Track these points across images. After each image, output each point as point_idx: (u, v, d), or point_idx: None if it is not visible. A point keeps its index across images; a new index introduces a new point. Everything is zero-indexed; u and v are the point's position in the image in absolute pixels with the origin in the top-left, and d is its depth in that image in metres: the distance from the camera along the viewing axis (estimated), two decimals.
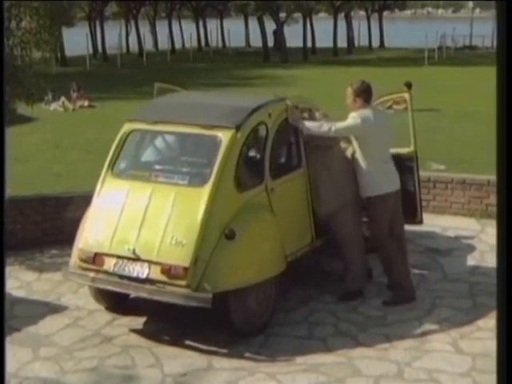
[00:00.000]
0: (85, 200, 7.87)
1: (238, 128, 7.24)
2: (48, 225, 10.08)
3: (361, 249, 8.17)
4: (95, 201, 7.58)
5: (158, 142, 8.22)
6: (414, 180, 8.43)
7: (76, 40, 49.70)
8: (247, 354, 6.98)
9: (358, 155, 7.89)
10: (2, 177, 4.71)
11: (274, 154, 7.62)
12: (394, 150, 8.44)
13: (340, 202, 8.00)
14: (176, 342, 7.23)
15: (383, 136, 7.96)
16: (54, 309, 8.10)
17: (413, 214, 8.51)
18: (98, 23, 63.47)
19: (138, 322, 7.69)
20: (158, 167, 7.74)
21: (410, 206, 8.38)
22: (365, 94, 7.89)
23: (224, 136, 7.22)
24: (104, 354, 7.03)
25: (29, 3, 10.66)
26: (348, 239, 8.06)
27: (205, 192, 7.01)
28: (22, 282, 8.80)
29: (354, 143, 7.91)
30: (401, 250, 8.19)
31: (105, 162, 7.73)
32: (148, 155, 8.18)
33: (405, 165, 8.40)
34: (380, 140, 7.93)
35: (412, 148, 8.45)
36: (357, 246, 8.11)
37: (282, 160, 8.01)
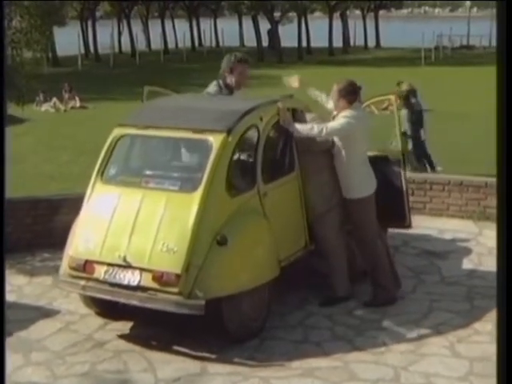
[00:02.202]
0: (77, 202, 7.75)
1: (229, 132, 7.14)
2: (39, 227, 9.98)
3: (346, 253, 8.08)
4: (85, 207, 7.49)
5: (149, 146, 8.11)
6: (401, 183, 8.31)
7: (68, 40, 49.61)
8: (242, 359, 6.90)
9: (343, 156, 7.80)
10: (2, 177, 4.64)
11: (266, 157, 7.51)
12: (380, 153, 8.36)
13: (326, 205, 7.92)
14: (169, 346, 7.15)
15: (366, 137, 7.93)
16: (46, 313, 8.02)
17: (401, 217, 8.38)
18: (89, 23, 63.35)
19: (131, 326, 7.60)
20: (148, 173, 7.63)
21: (398, 209, 8.28)
22: (349, 95, 7.79)
23: (215, 140, 7.12)
24: (96, 359, 6.96)
25: (19, 2, 10.59)
26: (333, 243, 7.97)
27: (196, 197, 6.91)
28: (12, 285, 8.68)
29: (339, 144, 7.80)
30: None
31: (96, 164, 7.61)
32: (138, 160, 8.09)
33: (392, 168, 8.30)
34: (364, 141, 7.90)
35: (399, 150, 8.33)
36: (342, 250, 8.03)
37: (275, 164, 7.88)
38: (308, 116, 8.09)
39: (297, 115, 7.97)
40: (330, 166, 7.93)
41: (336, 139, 7.81)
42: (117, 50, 62.34)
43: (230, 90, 8.35)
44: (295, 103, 8.17)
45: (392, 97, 8.48)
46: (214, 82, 8.41)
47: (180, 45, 65.50)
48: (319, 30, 60.42)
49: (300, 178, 7.89)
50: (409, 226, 8.56)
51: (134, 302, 6.95)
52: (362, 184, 7.85)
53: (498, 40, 3.52)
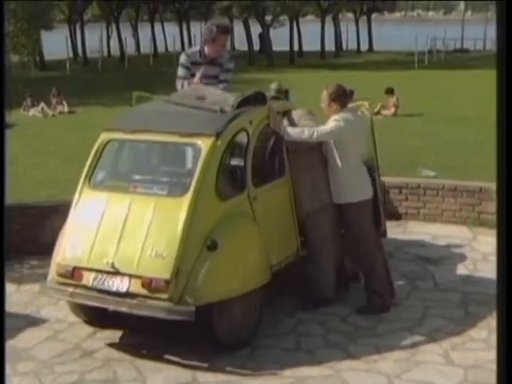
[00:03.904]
0: (65, 209, 7.65)
1: (218, 135, 7.06)
2: (27, 234, 9.89)
3: (335, 253, 7.98)
4: (72, 213, 7.40)
5: (137, 151, 8.05)
6: (376, 189, 8.21)
7: (55, 43, 49.41)
8: (233, 367, 6.82)
9: (336, 160, 7.72)
10: (2, 181, 4.52)
11: (255, 161, 7.44)
12: None
13: (317, 203, 7.82)
14: (159, 355, 7.06)
15: (361, 140, 7.86)
16: (33, 321, 7.94)
17: (377, 225, 8.25)
18: (78, 26, 63.17)
19: (120, 334, 7.52)
20: (136, 177, 7.57)
21: (373, 216, 8.17)
22: (340, 98, 7.75)
23: (204, 144, 7.04)
24: (85, 368, 6.87)
25: (6, 5, 10.46)
26: (322, 241, 7.85)
27: (185, 202, 6.83)
28: None
29: (332, 147, 7.73)
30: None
31: (84, 169, 7.53)
32: (126, 165, 8.02)
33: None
34: (358, 144, 7.82)
35: (372, 157, 8.23)
36: (331, 250, 7.91)
37: (265, 167, 7.81)
38: (296, 112, 8.00)
39: (287, 117, 7.90)
40: (321, 163, 7.86)
41: (329, 143, 7.73)
42: (106, 53, 62.16)
43: (207, 59, 8.38)
44: (285, 105, 8.10)
45: (366, 103, 8.40)
46: (183, 55, 8.60)
47: (170, 48, 65.38)
48: (311, 33, 60.39)
49: (290, 181, 7.81)
50: (384, 235, 8.46)
51: (123, 309, 6.87)
52: (356, 188, 7.76)
53: (497, 40, 3.45)
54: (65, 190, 10.73)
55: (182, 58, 8.47)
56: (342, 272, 8.22)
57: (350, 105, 8.08)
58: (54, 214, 9.33)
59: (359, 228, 7.83)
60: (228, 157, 7.31)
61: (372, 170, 8.10)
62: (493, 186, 9.68)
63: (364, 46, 66.99)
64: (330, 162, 7.77)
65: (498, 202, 3.41)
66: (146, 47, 60.76)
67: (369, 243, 7.86)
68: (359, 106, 8.28)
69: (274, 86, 8.83)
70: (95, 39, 56.59)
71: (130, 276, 6.76)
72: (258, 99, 7.73)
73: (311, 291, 8.07)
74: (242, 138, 7.38)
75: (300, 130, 7.62)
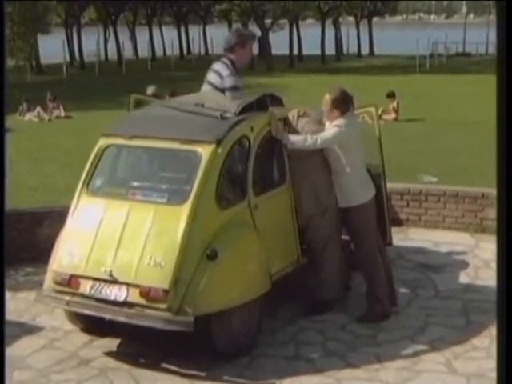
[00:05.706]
0: (61, 215, 7.60)
1: (218, 142, 6.97)
2: (23, 241, 9.80)
3: (339, 257, 7.91)
4: (70, 220, 7.31)
5: (135, 157, 7.94)
6: (382, 197, 8.12)
7: (52, 47, 49.34)
8: (232, 377, 6.73)
9: (340, 164, 7.68)
10: (2, 186, 4.45)
11: (256, 169, 7.35)
12: None
13: (319, 207, 7.75)
14: (157, 364, 6.98)
15: (361, 144, 7.81)
16: (29, 329, 7.85)
17: (383, 234, 8.20)
18: (75, 29, 63.09)
19: (117, 343, 7.43)
20: (135, 184, 7.46)
21: (379, 225, 8.09)
22: (342, 105, 7.68)
23: (204, 151, 6.95)
24: (81, 377, 6.79)
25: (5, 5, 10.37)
26: (324, 244, 7.79)
27: (184, 210, 6.75)
28: None
29: (337, 152, 7.67)
30: (384, 263, 7.96)
31: (82, 175, 7.44)
32: (125, 172, 7.91)
33: (374, 181, 8.12)
34: (360, 148, 7.79)
35: (379, 164, 8.14)
36: (332, 251, 7.83)
37: (266, 175, 7.73)
38: (292, 113, 7.93)
39: (288, 124, 7.82)
40: (322, 167, 7.80)
41: (331, 149, 7.67)
42: (103, 57, 62.05)
43: (239, 70, 8.09)
44: (286, 112, 8.02)
45: (373, 109, 8.32)
46: (219, 65, 8.03)
47: (168, 52, 65.34)
48: (311, 37, 60.37)
49: (291, 190, 7.72)
50: (390, 244, 8.39)
51: (121, 319, 6.79)
52: (358, 191, 7.73)
53: (497, 41, 3.42)
54: (62, 196, 10.65)
55: (233, 80, 7.97)
56: (344, 276, 8.16)
57: (356, 111, 8.03)
58: (50, 221, 9.25)
59: (361, 231, 7.78)
60: (229, 164, 7.21)
61: (379, 177, 8.04)
62: (495, 191, 9.59)
63: (365, 50, 67.01)
64: (334, 167, 7.74)
65: (499, 207, 3.36)
66: (143, 51, 60.72)
67: (370, 248, 7.80)
68: (366, 113, 8.20)
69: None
70: (92, 43, 56.45)
71: (128, 285, 6.68)
72: (259, 105, 7.64)
73: (313, 295, 8.01)
74: (243, 145, 7.31)
75: (303, 138, 7.56)
